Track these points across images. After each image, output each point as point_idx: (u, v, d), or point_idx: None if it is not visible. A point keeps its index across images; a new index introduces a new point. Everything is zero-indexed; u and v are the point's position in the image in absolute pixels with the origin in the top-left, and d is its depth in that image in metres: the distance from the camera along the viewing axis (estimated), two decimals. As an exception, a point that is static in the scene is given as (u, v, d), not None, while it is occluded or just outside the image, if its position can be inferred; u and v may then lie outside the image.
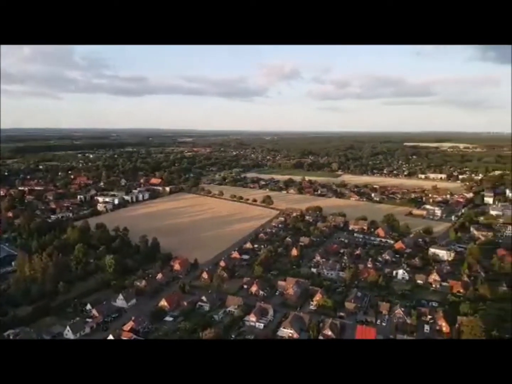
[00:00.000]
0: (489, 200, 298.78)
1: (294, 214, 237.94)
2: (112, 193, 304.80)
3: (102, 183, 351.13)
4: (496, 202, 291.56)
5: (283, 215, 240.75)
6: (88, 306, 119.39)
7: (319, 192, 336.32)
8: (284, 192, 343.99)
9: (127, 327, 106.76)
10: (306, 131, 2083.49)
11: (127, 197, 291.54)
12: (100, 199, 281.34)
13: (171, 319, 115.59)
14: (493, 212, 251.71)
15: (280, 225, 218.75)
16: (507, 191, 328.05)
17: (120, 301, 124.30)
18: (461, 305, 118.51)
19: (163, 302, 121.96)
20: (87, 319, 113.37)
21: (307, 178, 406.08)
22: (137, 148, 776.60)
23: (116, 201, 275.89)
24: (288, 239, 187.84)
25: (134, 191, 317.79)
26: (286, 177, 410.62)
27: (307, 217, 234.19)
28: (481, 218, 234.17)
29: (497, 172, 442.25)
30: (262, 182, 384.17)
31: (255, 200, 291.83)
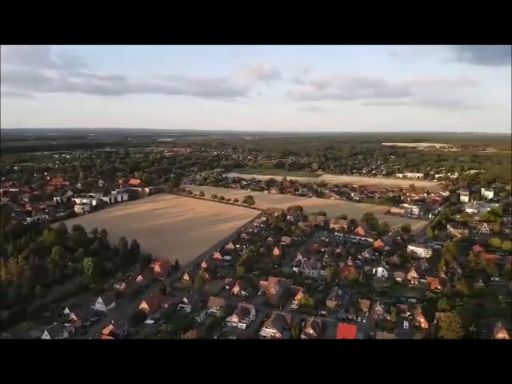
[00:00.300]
0: (464, 198, 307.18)
1: (276, 214, 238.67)
2: (89, 194, 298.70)
3: (79, 184, 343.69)
4: (472, 200, 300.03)
5: (265, 215, 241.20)
6: (66, 310, 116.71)
7: (300, 192, 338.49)
8: (266, 192, 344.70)
9: (107, 330, 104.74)
10: (286, 131, 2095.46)
11: (105, 199, 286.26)
12: (77, 200, 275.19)
13: (151, 321, 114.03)
14: (468, 210, 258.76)
15: (262, 225, 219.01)
16: (482, 190, 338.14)
17: (99, 305, 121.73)
18: (439, 301, 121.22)
19: (144, 305, 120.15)
20: (65, 324, 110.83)
21: (288, 178, 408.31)
22: (115, 148, 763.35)
23: (94, 203, 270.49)
24: (270, 239, 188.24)
25: (112, 192, 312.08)
26: (268, 177, 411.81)
27: (288, 217, 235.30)
28: (457, 216, 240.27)
29: (472, 171, 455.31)
30: (244, 182, 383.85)
31: (236, 200, 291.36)
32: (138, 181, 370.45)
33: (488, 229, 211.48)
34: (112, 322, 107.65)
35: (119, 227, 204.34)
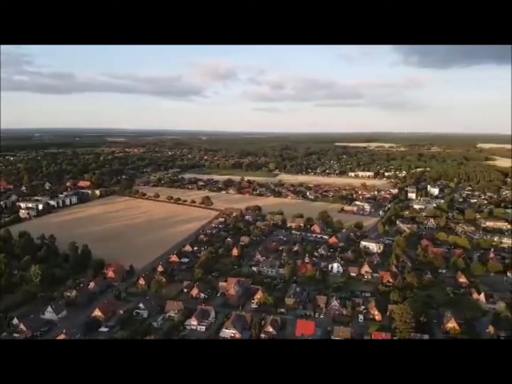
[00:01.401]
0: (412, 195, 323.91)
1: (234, 214, 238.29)
2: (35, 198, 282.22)
3: (24, 188, 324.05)
4: (419, 197, 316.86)
5: (223, 216, 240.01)
6: (15, 320, 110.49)
7: (258, 191, 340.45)
8: (224, 192, 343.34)
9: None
10: (243, 131, 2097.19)
11: (52, 202, 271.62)
12: (22, 205, 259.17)
13: (106, 329, 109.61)
14: (416, 206, 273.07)
15: (220, 226, 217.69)
16: (428, 187, 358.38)
17: (49, 314, 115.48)
18: (391, 294, 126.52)
19: (97, 312, 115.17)
20: (14, 334, 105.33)
21: (246, 178, 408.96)
22: (62, 149, 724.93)
23: (40, 207, 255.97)
24: (228, 239, 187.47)
25: (60, 195, 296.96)
26: (225, 177, 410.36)
27: (247, 217, 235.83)
28: (406, 212, 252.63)
29: (418, 170, 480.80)
30: (201, 183, 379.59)
31: (193, 201, 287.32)
32: (88, 183, 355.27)
33: (434, 224, 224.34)
34: (64, 331, 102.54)
35: (69, 232, 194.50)
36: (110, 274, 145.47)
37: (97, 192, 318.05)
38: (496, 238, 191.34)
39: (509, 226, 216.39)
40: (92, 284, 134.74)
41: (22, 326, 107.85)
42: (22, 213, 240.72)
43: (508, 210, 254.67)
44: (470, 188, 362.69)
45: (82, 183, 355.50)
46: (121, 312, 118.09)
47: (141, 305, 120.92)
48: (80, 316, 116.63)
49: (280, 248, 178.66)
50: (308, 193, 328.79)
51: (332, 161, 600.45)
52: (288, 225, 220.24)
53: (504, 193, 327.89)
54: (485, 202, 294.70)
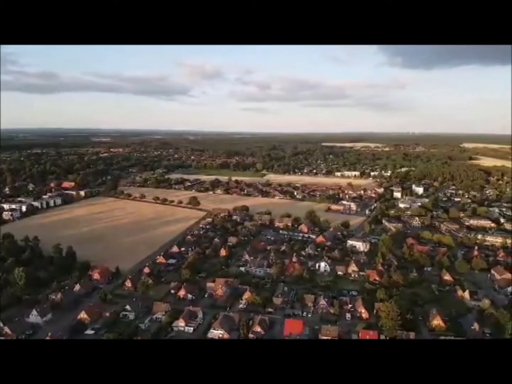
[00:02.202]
0: (397, 194, 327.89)
1: (222, 214, 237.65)
2: (19, 199, 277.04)
3: (7, 189, 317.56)
4: (404, 196, 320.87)
5: (211, 216, 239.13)
6: None
7: (245, 191, 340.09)
8: (211, 192, 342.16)
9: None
10: (230, 131, 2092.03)
11: (36, 204, 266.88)
12: (6, 206, 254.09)
13: (92, 332, 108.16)
14: (401, 205, 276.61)
15: (207, 226, 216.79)
16: (413, 186, 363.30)
17: (34, 317, 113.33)
18: (377, 292, 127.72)
19: (83, 315, 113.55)
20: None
21: (233, 178, 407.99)
22: (46, 149, 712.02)
23: (24, 208, 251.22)
24: (216, 239, 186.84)
25: (44, 196, 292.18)
26: (212, 177, 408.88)
27: (234, 217, 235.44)
28: (392, 211, 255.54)
29: (403, 169, 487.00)
30: (188, 183, 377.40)
31: (180, 202, 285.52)
32: (72, 184, 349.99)
33: (419, 222, 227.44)
34: (49, 334, 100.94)
35: (53, 234, 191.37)
36: (96, 276, 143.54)
37: (82, 193, 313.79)
38: (479, 236, 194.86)
39: (492, 225, 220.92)
40: (77, 287, 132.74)
41: (6, 329, 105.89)
42: (5, 215, 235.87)
43: (491, 209, 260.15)
44: (454, 187, 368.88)
45: (66, 184, 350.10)
46: (108, 314, 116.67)
47: (127, 307, 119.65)
48: (65, 319, 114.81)
49: (268, 248, 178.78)
50: (295, 193, 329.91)
51: (319, 161, 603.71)
52: (276, 224, 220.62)
53: (487, 192, 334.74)
54: (469, 201, 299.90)
